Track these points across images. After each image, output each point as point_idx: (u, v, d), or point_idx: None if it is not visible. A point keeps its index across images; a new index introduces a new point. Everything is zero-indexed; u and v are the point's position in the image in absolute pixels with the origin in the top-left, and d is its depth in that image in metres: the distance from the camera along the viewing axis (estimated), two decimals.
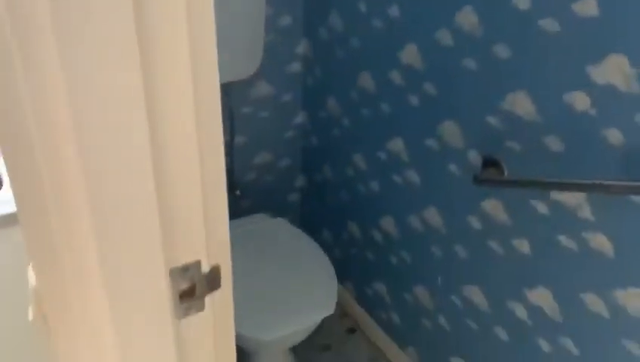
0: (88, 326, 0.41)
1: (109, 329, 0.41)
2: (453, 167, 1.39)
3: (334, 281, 1.51)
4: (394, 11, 1.44)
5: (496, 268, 1.34)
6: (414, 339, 1.72)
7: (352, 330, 1.97)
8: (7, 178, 0.37)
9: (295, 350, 1.86)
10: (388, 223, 1.70)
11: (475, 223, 1.37)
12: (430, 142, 1.44)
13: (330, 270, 1.54)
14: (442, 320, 1.58)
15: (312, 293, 1.47)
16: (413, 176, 1.54)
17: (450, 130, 1.37)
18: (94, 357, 0.41)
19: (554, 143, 1.11)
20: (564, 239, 1.15)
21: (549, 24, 1.06)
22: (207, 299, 0.45)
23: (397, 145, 1.57)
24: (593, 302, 1.13)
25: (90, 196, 0.34)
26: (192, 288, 0.44)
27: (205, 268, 0.44)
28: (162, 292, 0.41)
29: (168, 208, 0.38)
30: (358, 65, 1.64)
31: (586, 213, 1.09)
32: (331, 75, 1.79)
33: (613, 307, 1.09)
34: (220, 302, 0.46)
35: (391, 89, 1.53)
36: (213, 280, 0.44)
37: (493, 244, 1.33)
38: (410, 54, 1.43)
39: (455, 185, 1.40)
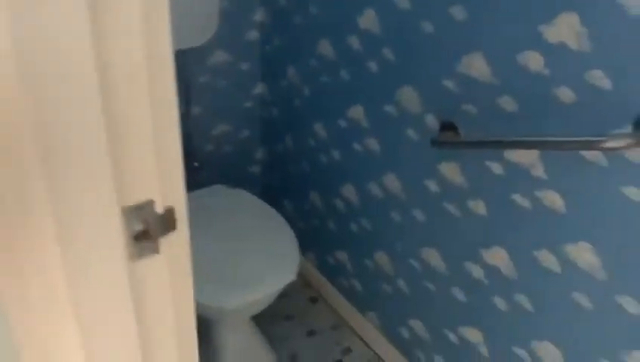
0: (39, 267, 0.39)
1: (61, 270, 0.40)
2: (411, 133, 1.41)
3: (296, 247, 1.51)
4: None
5: (453, 230, 1.37)
6: (375, 305, 1.75)
7: (314, 299, 1.99)
8: None
9: (258, 320, 1.87)
10: (349, 191, 1.71)
11: (433, 187, 1.39)
12: (389, 108, 1.45)
13: (291, 236, 1.55)
14: (402, 284, 1.61)
15: (273, 260, 1.47)
16: (373, 144, 1.55)
17: (409, 96, 1.38)
18: (46, 299, 0.40)
19: (508, 104, 1.14)
20: (518, 198, 1.18)
21: None
22: (163, 241, 0.44)
23: (357, 112, 1.57)
24: (546, 258, 1.17)
25: (37, 128, 0.33)
26: (146, 229, 0.43)
27: (159, 208, 0.43)
28: (115, 231, 0.40)
29: (120, 145, 0.37)
30: (317, 32, 1.63)
31: (539, 171, 1.12)
32: (290, 43, 1.77)
33: (565, 262, 1.13)
34: (176, 245, 0.45)
35: (350, 55, 1.53)
36: (168, 222, 0.43)
37: (450, 207, 1.36)
38: (368, 19, 1.43)
39: (413, 150, 1.42)
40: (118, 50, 0.35)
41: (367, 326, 1.81)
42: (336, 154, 1.71)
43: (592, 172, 1.03)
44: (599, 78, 0.97)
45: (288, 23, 1.74)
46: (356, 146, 1.62)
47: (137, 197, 0.41)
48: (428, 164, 1.38)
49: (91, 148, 0.36)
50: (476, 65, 1.18)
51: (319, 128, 1.76)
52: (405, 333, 1.66)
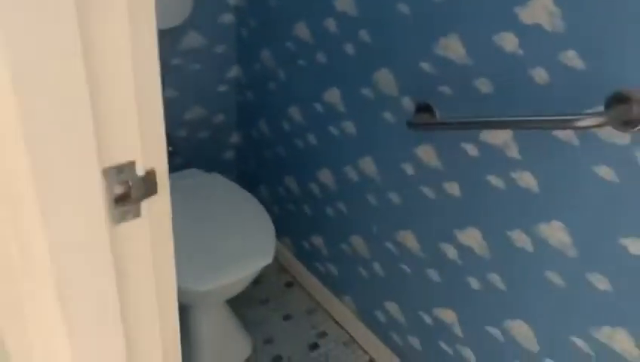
0: (17, 230, 0.38)
1: (41, 234, 0.39)
2: (387, 115, 1.41)
3: (271, 230, 1.51)
4: None
5: (428, 212, 1.39)
6: (351, 288, 1.76)
7: (289, 284, 1.99)
8: None
9: (233, 305, 1.86)
10: (325, 176, 1.71)
11: (409, 170, 1.40)
12: (366, 92, 1.45)
13: (267, 219, 1.54)
14: (377, 267, 1.62)
15: (249, 243, 1.46)
16: (350, 127, 1.55)
17: (385, 78, 1.38)
18: (26, 262, 0.39)
19: (483, 85, 1.15)
20: (492, 179, 1.20)
21: None
22: (144, 205, 0.44)
23: (333, 95, 1.57)
24: (519, 237, 1.19)
25: (16, 81, 0.32)
26: (127, 192, 0.42)
27: (140, 171, 0.42)
28: (96, 192, 0.39)
29: (102, 102, 0.36)
30: (293, 15, 1.62)
31: (513, 152, 1.14)
32: (266, 26, 1.75)
33: (537, 240, 1.15)
34: (158, 209, 0.45)
35: (326, 38, 1.52)
36: (149, 185, 0.42)
37: (426, 189, 1.37)
38: (345, 1, 1.42)
39: (389, 133, 1.42)
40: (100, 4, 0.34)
41: (342, 310, 1.82)
42: (312, 138, 1.71)
43: (565, 152, 1.05)
44: (572, 59, 0.98)
45: (264, 6, 1.72)
46: (332, 130, 1.62)
47: (118, 159, 0.40)
48: (404, 147, 1.39)
49: (72, 103, 0.35)
50: (452, 47, 1.19)
51: (295, 112, 1.75)
52: (381, 316, 1.67)
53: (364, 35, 1.40)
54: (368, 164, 1.53)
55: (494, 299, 1.30)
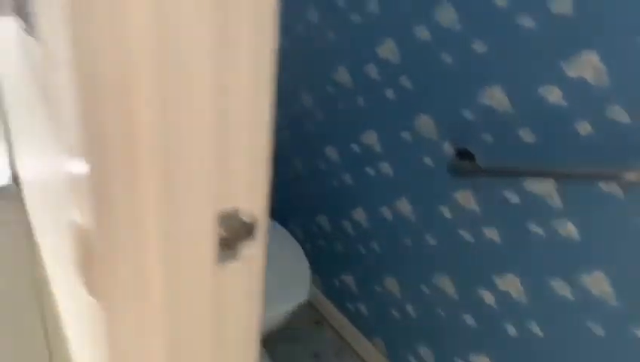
0: (135, 265, 0.41)
1: (156, 270, 0.42)
2: (426, 159, 1.44)
3: (307, 268, 1.52)
4: (372, 6, 1.48)
5: (465, 256, 1.40)
6: (381, 330, 1.76)
7: (319, 322, 1.99)
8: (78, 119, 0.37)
9: (263, 342, 1.86)
10: (359, 214, 1.73)
11: (446, 213, 1.42)
12: (404, 135, 1.49)
13: (302, 257, 1.56)
14: (410, 309, 1.62)
15: (284, 280, 1.48)
16: (386, 168, 1.58)
17: (425, 123, 1.42)
18: (138, 293, 0.42)
19: (526, 134, 1.18)
20: (533, 227, 1.21)
21: (526, 21, 1.12)
22: (242, 248, 0.46)
23: (371, 137, 1.61)
24: (559, 286, 1.19)
25: (153, 128, 0.35)
26: (230, 236, 0.45)
27: (245, 216, 0.45)
28: (206, 235, 0.42)
29: (224, 148, 0.40)
30: (334, 60, 1.67)
31: (556, 201, 1.15)
32: (306, 70, 1.81)
33: (579, 290, 1.16)
34: (254, 254, 0.47)
35: (367, 83, 1.57)
36: (249, 230, 0.45)
37: (464, 233, 1.38)
38: (388, 49, 1.47)
39: (428, 176, 1.45)
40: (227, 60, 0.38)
41: (372, 351, 1.81)
42: (347, 178, 1.74)
43: (609, 203, 1.06)
44: (617, 112, 1.01)
45: (306, 50, 1.78)
46: (368, 170, 1.65)
47: (229, 203, 0.43)
48: (442, 190, 1.41)
49: (201, 150, 0.38)
50: (496, 97, 1.22)
51: (331, 152, 1.79)
52: (412, 359, 1.67)
53: (405, 81, 1.45)
54: (404, 205, 1.55)
55: (532, 347, 1.29)
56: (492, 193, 1.29)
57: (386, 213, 1.62)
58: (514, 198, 1.24)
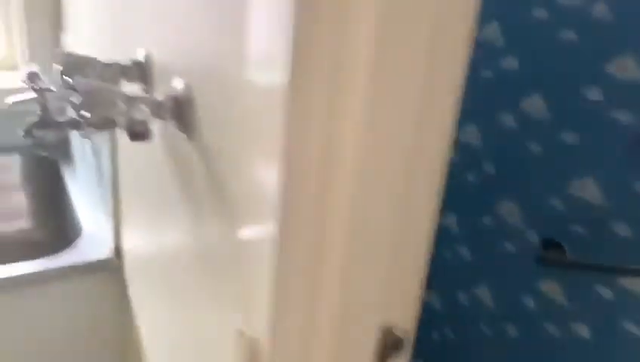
0: None
1: None
2: (509, 246, 1.41)
3: None
4: None
5: (551, 352, 1.33)
6: None
7: None
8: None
9: None
10: (432, 298, 1.70)
11: (530, 303, 1.37)
12: (486, 220, 1.47)
13: None
14: None
15: None
16: (464, 251, 1.56)
17: (509, 210, 1.40)
18: None
19: (622, 229, 1.14)
20: (629, 326, 1.15)
21: (620, 114, 1.12)
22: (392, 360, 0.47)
23: (449, 220, 1.60)
24: None
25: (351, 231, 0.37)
26: (384, 350, 0.46)
27: (399, 331, 0.46)
28: (369, 347, 0.44)
29: (396, 270, 0.41)
30: None
31: None
32: None
33: None
34: None
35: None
36: (400, 343, 0.46)
37: (549, 326, 1.33)
38: (470, 133, 1.49)
39: (510, 263, 1.42)
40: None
41: None
42: None
43: None
44: None
45: None
46: (445, 252, 1.63)
47: (389, 318, 0.44)
48: (526, 279, 1.38)
49: (377, 272, 0.40)
50: (587, 189, 1.20)
51: None
52: None
53: (487, 166, 1.45)
54: (483, 292, 1.51)
55: None
56: (582, 286, 1.24)
57: (463, 298, 1.58)
58: (607, 294, 1.19)
